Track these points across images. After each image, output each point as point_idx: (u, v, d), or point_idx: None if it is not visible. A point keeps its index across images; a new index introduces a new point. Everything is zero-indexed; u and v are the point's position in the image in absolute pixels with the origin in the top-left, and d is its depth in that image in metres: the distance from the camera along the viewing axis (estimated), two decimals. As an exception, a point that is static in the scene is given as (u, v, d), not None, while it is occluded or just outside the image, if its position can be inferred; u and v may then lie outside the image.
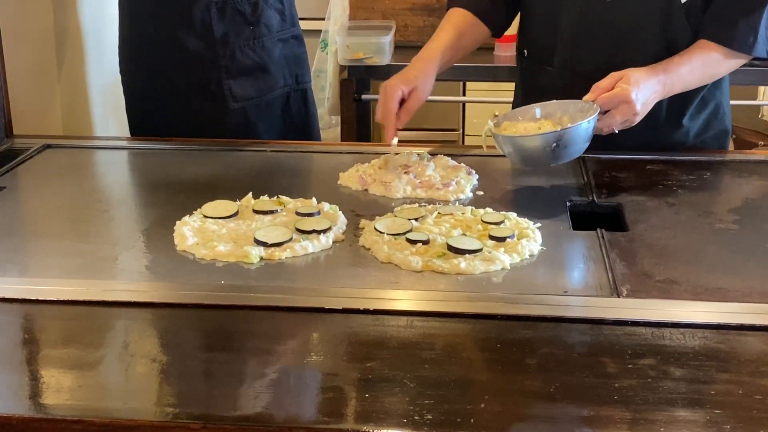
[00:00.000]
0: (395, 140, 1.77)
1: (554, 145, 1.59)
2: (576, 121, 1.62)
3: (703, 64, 1.78)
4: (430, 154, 1.83)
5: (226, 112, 2.10)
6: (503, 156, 1.71)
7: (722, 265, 1.38)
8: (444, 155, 1.83)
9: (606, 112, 1.66)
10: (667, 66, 1.74)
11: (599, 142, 1.75)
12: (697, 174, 1.76)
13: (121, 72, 2.20)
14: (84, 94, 2.37)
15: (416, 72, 1.83)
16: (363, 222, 1.51)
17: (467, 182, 1.70)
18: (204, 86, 2.09)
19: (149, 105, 2.15)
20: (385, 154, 1.83)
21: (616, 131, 1.69)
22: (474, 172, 1.75)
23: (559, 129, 1.61)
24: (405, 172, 1.70)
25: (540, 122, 1.71)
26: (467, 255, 1.36)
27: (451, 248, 1.37)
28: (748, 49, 1.77)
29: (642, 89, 1.66)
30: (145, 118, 2.17)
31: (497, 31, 2.02)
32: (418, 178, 1.69)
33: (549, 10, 1.88)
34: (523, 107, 1.78)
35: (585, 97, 1.68)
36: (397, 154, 1.78)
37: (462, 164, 1.77)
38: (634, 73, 1.68)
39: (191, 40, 2.06)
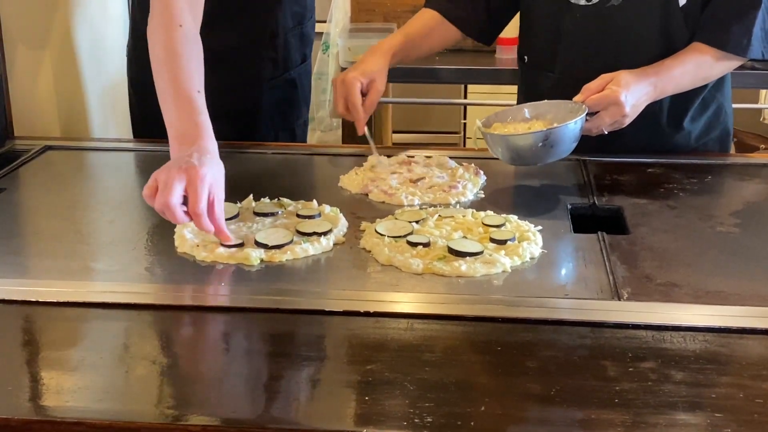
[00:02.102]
0: (366, 130, 1.82)
1: (541, 144, 1.61)
2: (565, 122, 1.62)
3: (695, 67, 1.78)
4: (426, 156, 1.84)
5: None
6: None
7: (723, 268, 1.37)
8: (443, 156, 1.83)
9: (596, 113, 1.66)
10: (658, 69, 1.74)
11: (600, 144, 1.75)
12: (698, 177, 1.76)
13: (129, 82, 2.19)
14: (84, 96, 2.37)
15: (372, 66, 1.84)
16: (364, 224, 1.51)
17: (474, 183, 1.70)
18: None
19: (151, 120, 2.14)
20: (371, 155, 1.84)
21: (606, 132, 1.70)
22: (482, 172, 1.75)
23: (545, 128, 1.62)
24: (413, 181, 1.70)
25: (530, 123, 1.72)
26: (468, 258, 1.36)
27: (451, 251, 1.37)
28: (742, 52, 1.77)
29: (632, 91, 1.67)
30: (148, 124, 2.16)
31: (483, 38, 2.03)
32: (428, 184, 1.69)
33: (549, 16, 1.88)
34: (514, 107, 1.79)
35: (575, 98, 1.69)
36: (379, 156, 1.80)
37: (472, 164, 1.77)
38: (625, 75, 1.68)
39: None
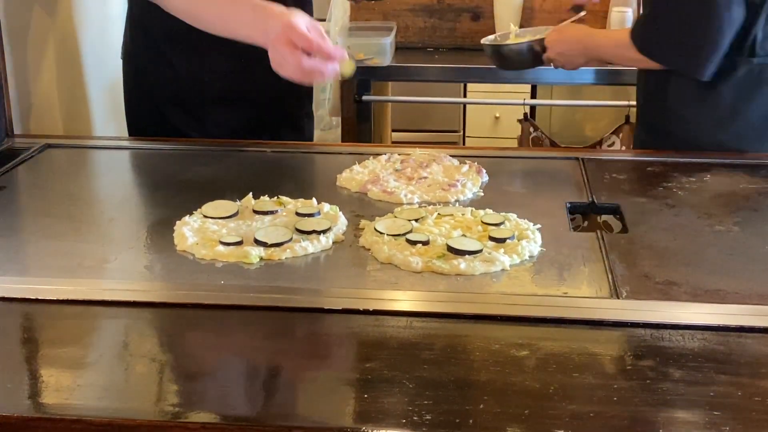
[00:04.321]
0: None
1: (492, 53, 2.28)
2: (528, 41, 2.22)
3: (615, 46, 2.05)
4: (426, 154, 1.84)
5: (207, 135, 2.06)
6: (503, 158, 1.73)
7: (722, 267, 1.38)
8: (446, 155, 1.83)
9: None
10: (591, 33, 2.14)
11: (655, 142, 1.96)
12: (697, 176, 1.76)
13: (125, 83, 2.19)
14: (85, 94, 2.37)
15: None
16: (363, 222, 1.51)
17: (474, 182, 1.70)
18: (187, 109, 2.07)
19: (145, 117, 2.14)
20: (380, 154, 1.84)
21: (554, 67, 2.19)
22: (484, 171, 1.75)
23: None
24: (410, 178, 1.71)
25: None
26: (467, 256, 1.36)
27: (451, 249, 1.37)
28: (640, 43, 1.95)
29: (559, 41, 2.13)
30: (144, 119, 2.16)
31: None
32: (426, 182, 1.69)
33: None
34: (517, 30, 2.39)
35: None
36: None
37: (475, 162, 1.78)
38: (563, 26, 2.18)
39: (181, 62, 2.04)
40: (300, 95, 2.23)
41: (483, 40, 2.34)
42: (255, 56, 2.04)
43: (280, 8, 1.60)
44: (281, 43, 1.53)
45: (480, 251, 1.37)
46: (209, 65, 2.02)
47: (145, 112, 2.13)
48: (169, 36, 2.03)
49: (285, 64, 1.54)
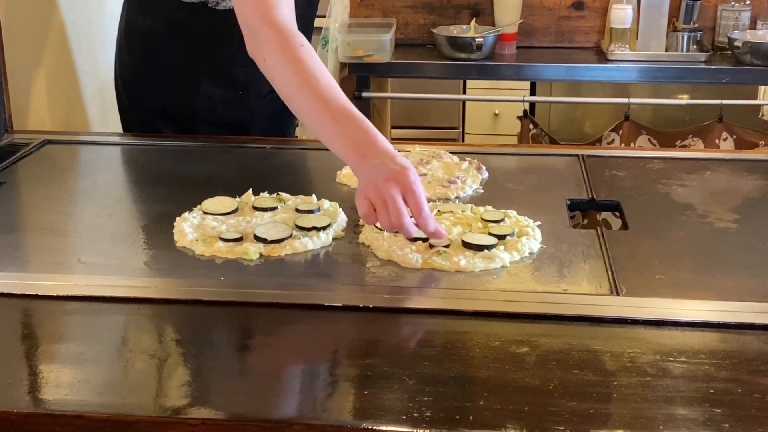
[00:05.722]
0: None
1: None
2: None
3: None
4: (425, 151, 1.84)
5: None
6: (503, 154, 1.73)
7: (722, 263, 1.38)
8: (446, 152, 1.83)
9: None
10: None
11: None
12: (697, 173, 1.76)
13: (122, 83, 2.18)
14: (84, 90, 2.37)
15: None
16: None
17: (474, 179, 1.69)
18: (178, 126, 2.06)
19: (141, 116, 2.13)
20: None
21: None
22: (484, 168, 1.75)
23: None
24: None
25: None
26: (467, 252, 1.36)
27: (465, 244, 1.37)
28: None
29: None
30: (137, 116, 2.15)
31: None
32: (426, 178, 1.69)
33: None
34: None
35: None
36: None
37: (475, 159, 1.77)
38: None
39: (174, 88, 2.02)
40: (292, 116, 2.22)
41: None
42: (249, 87, 2.05)
43: (383, 144, 1.37)
44: (393, 190, 1.32)
45: (494, 245, 1.37)
46: (204, 93, 2.01)
47: (138, 127, 2.12)
48: (164, 64, 2.02)
49: (381, 209, 1.33)
